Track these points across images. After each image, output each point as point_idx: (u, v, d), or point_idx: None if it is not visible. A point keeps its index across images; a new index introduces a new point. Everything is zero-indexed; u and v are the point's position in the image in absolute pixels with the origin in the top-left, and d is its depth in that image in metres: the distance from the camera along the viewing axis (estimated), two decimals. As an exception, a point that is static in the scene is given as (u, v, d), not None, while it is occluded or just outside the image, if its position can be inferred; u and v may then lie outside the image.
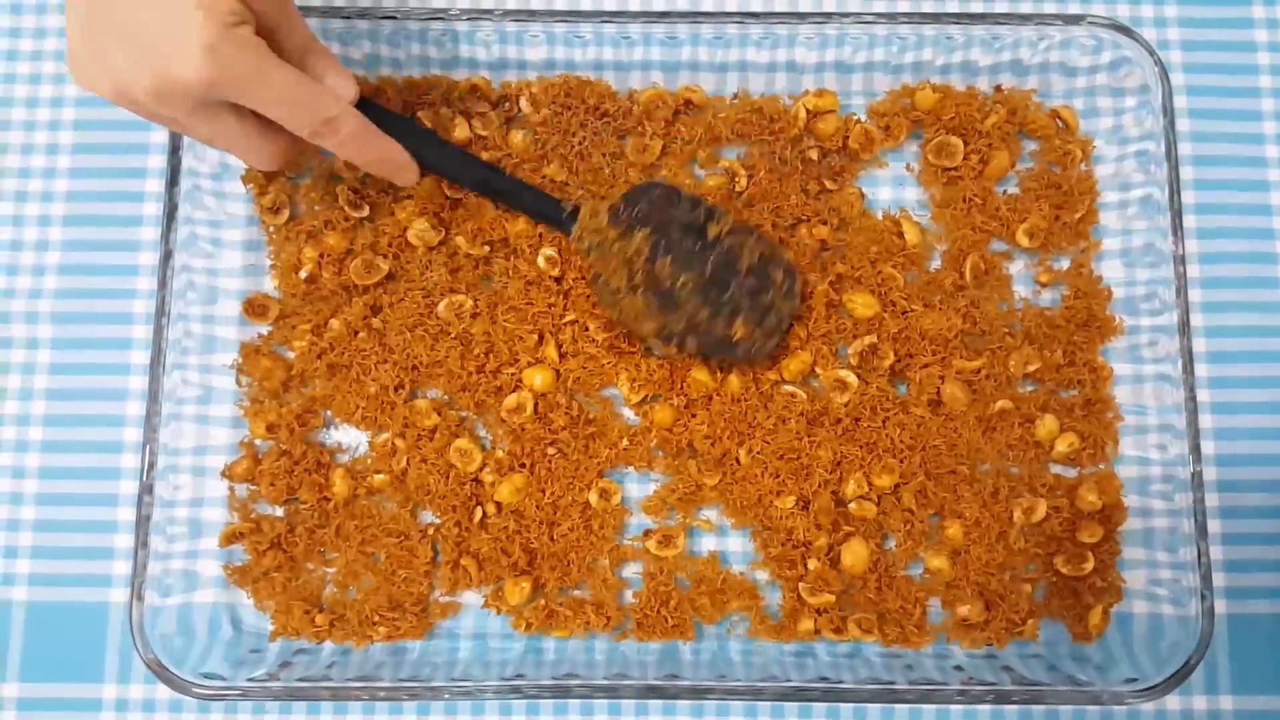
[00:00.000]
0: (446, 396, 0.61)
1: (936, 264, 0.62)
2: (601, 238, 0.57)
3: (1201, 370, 0.62)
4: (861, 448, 0.59)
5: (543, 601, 0.58)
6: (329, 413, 0.61)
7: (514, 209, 0.60)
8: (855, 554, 0.58)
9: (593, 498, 0.59)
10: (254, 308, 0.61)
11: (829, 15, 0.60)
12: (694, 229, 0.57)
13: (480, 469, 0.59)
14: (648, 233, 0.56)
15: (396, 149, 0.54)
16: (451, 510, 0.59)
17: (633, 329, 0.58)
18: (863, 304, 0.60)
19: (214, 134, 0.49)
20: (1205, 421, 0.61)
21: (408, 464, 0.59)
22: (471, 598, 0.60)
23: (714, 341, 0.57)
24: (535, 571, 0.59)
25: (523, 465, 0.59)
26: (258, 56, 0.46)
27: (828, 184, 0.62)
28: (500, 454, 0.59)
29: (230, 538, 0.59)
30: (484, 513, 0.59)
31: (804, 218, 0.62)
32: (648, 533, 0.59)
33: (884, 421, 0.59)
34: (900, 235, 0.62)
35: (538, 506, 0.59)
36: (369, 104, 0.55)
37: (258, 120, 0.50)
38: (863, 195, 0.63)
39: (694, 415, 0.60)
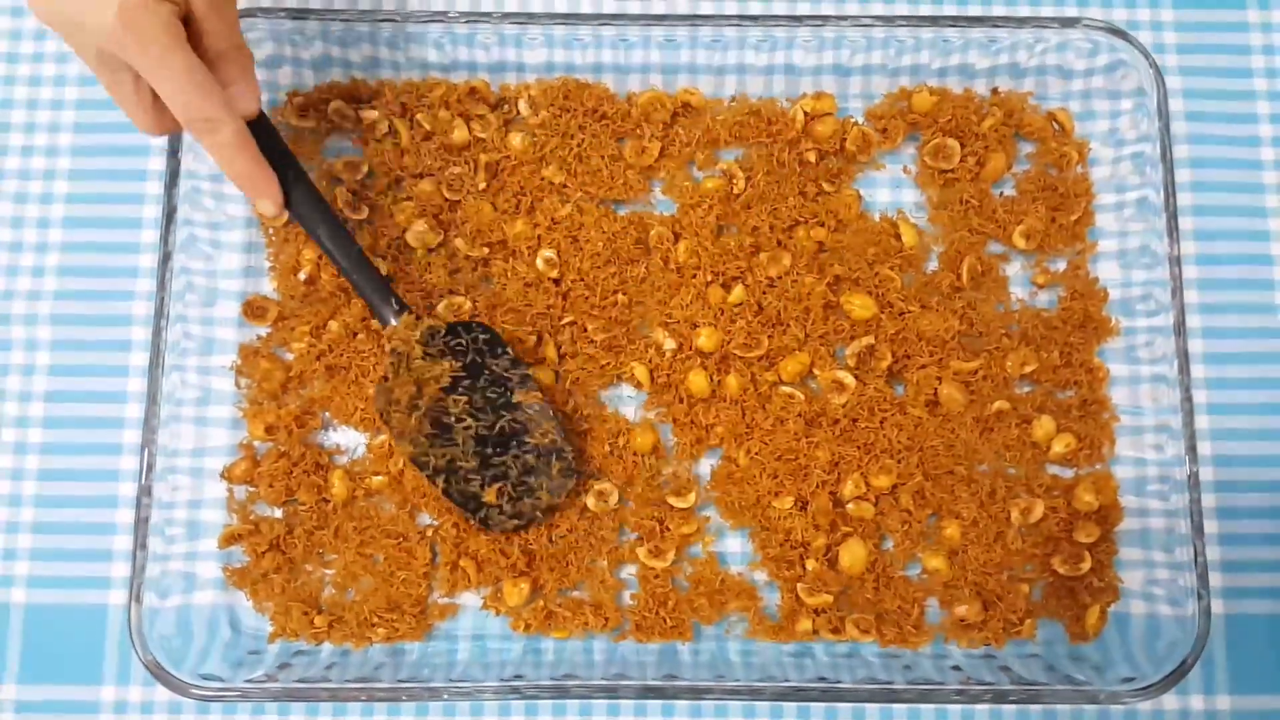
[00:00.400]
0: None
1: (933, 265, 0.63)
2: (407, 349, 0.56)
3: (1198, 371, 0.62)
4: (859, 448, 0.59)
5: (541, 602, 0.58)
6: (327, 414, 0.61)
7: (350, 281, 0.57)
8: (853, 554, 0.58)
9: (589, 500, 0.59)
10: (253, 309, 0.61)
11: (826, 18, 0.60)
12: (501, 385, 0.57)
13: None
14: (455, 366, 0.56)
15: (265, 176, 0.53)
16: (448, 510, 0.59)
17: (393, 441, 0.57)
18: (860, 305, 0.60)
19: (110, 83, 0.50)
20: (1201, 422, 0.61)
21: (404, 464, 0.59)
22: (470, 599, 0.60)
23: (463, 491, 0.56)
24: (534, 573, 0.59)
25: None
26: (165, 34, 0.47)
27: (825, 186, 0.62)
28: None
29: (229, 539, 0.59)
30: None
31: (802, 219, 0.62)
32: (640, 540, 0.59)
33: (881, 422, 0.60)
34: (897, 237, 0.62)
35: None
36: (266, 126, 0.54)
37: (152, 91, 0.51)
38: (860, 197, 0.63)
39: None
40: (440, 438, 0.56)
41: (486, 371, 0.57)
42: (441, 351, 0.57)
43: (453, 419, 0.56)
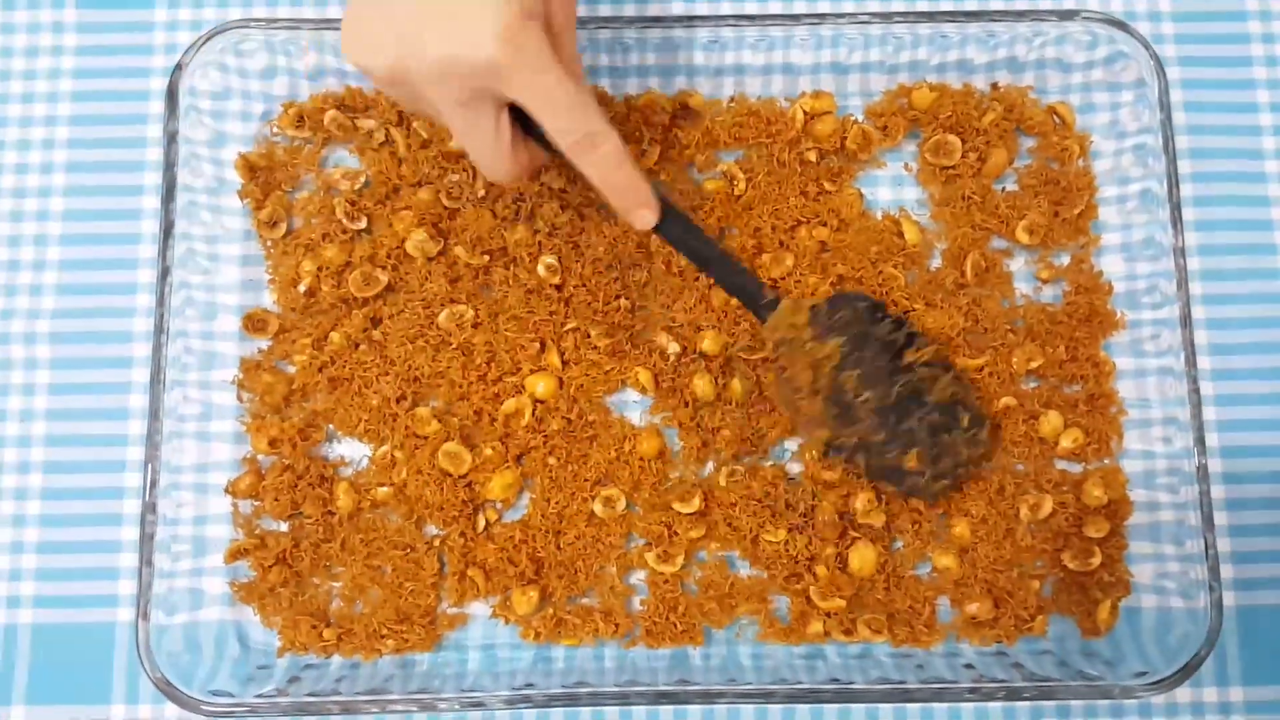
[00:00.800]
0: (448, 406, 0.60)
1: (937, 263, 0.62)
2: (796, 335, 0.55)
3: (1203, 362, 0.62)
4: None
5: (551, 610, 0.58)
6: (331, 426, 0.61)
7: (718, 283, 0.57)
8: (863, 557, 0.58)
9: (597, 507, 0.59)
10: (253, 323, 0.61)
11: (824, 16, 0.60)
12: (890, 349, 0.56)
13: (472, 469, 0.59)
14: (841, 341, 0.55)
15: (645, 185, 0.51)
16: (453, 520, 0.58)
17: (804, 432, 0.57)
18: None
19: (469, 128, 0.48)
20: (1209, 414, 0.61)
21: (406, 475, 0.59)
22: (479, 608, 0.59)
23: (882, 466, 0.56)
24: (543, 580, 0.59)
25: (518, 460, 0.59)
26: (546, 53, 0.45)
27: (827, 185, 0.62)
28: (489, 452, 0.59)
29: (235, 554, 0.58)
30: (486, 520, 0.59)
31: (804, 219, 0.62)
32: (649, 545, 0.59)
33: None
34: (900, 235, 0.62)
35: (543, 515, 0.59)
36: None
37: (516, 128, 0.49)
38: (862, 196, 0.63)
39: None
40: (843, 416, 0.55)
41: (872, 339, 0.56)
42: (827, 329, 0.56)
43: (851, 396, 0.55)
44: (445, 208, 0.61)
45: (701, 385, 0.59)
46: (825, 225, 0.62)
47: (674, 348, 0.60)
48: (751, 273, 0.57)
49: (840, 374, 0.55)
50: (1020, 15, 0.60)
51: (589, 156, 0.49)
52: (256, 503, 0.59)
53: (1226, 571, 0.59)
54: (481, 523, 0.59)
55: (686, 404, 0.60)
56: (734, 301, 0.60)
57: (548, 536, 0.59)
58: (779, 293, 0.57)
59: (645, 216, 0.52)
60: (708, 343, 0.59)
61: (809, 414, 0.56)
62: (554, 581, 0.58)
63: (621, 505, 0.59)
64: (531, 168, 0.52)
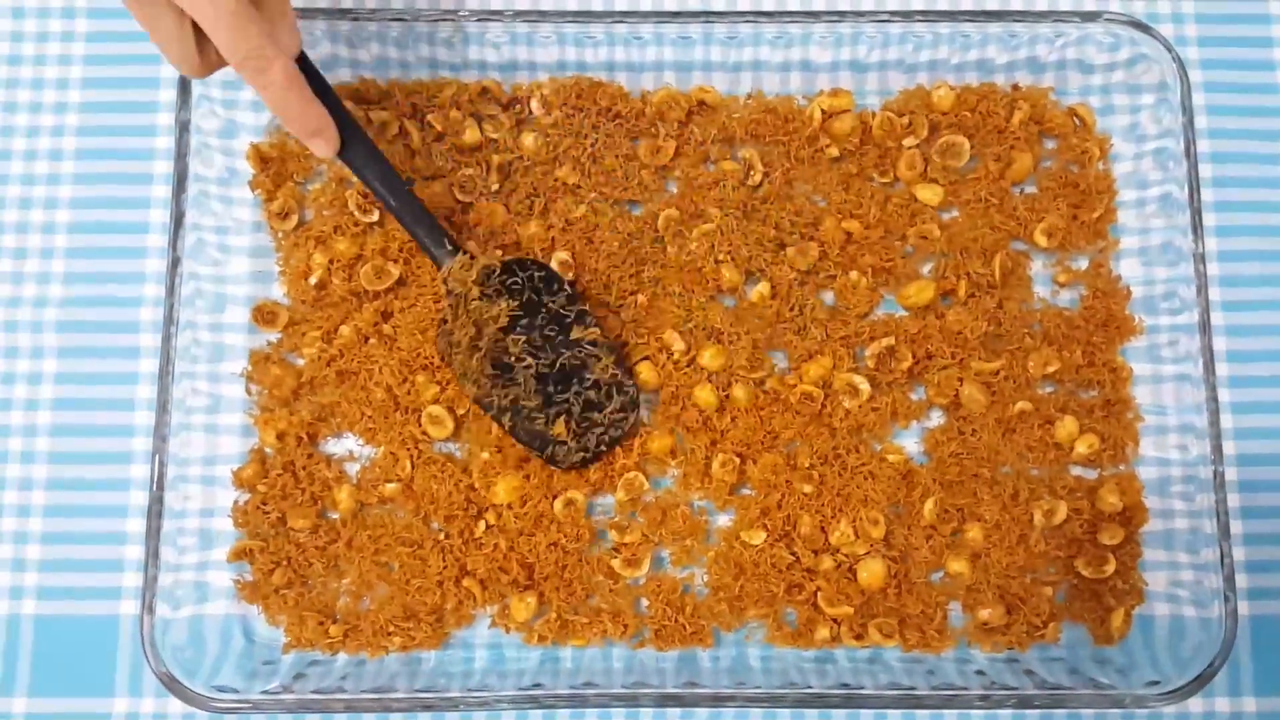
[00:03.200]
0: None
1: (952, 265, 0.62)
2: (464, 290, 0.56)
3: (1221, 369, 0.61)
4: (837, 495, 0.58)
5: (554, 614, 0.57)
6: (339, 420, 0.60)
7: (400, 223, 0.57)
8: (871, 571, 0.57)
9: (558, 506, 0.58)
10: (263, 315, 0.60)
11: (843, 14, 0.59)
12: (560, 321, 0.57)
13: (451, 434, 0.59)
14: (512, 305, 0.56)
15: (319, 114, 0.52)
16: (451, 518, 0.58)
17: (459, 383, 0.57)
18: (916, 291, 0.59)
19: (150, 24, 0.49)
20: (1226, 421, 0.60)
21: (412, 467, 0.58)
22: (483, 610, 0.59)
23: (529, 430, 0.57)
24: (539, 586, 0.58)
25: (522, 463, 0.58)
26: None
27: (877, 177, 0.61)
28: (487, 455, 0.58)
29: (238, 554, 0.58)
30: (487, 524, 0.58)
31: (841, 213, 0.61)
32: (616, 549, 0.58)
33: (868, 475, 0.58)
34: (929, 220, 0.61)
35: (516, 518, 0.58)
36: (309, 66, 0.53)
37: (195, 28, 0.49)
38: (887, 193, 0.62)
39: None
40: (502, 378, 0.57)
41: (544, 309, 0.57)
42: (498, 291, 0.57)
43: (513, 359, 0.56)
44: (458, 201, 0.61)
45: (703, 395, 0.58)
46: (854, 217, 0.61)
47: (679, 344, 0.59)
48: (435, 220, 0.57)
49: (506, 336, 0.56)
50: (1042, 16, 0.60)
51: (257, 79, 0.50)
52: (263, 507, 0.58)
53: (1241, 580, 0.59)
54: (482, 526, 0.58)
55: (691, 409, 0.59)
56: (745, 303, 0.59)
57: (530, 540, 0.58)
58: (460, 244, 0.58)
59: (319, 146, 0.53)
60: (708, 358, 0.59)
61: (464, 369, 0.56)
62: (548, 586, 0.58)
63: (583, 506, 0.58)
64: (219, 64, 0.52)
